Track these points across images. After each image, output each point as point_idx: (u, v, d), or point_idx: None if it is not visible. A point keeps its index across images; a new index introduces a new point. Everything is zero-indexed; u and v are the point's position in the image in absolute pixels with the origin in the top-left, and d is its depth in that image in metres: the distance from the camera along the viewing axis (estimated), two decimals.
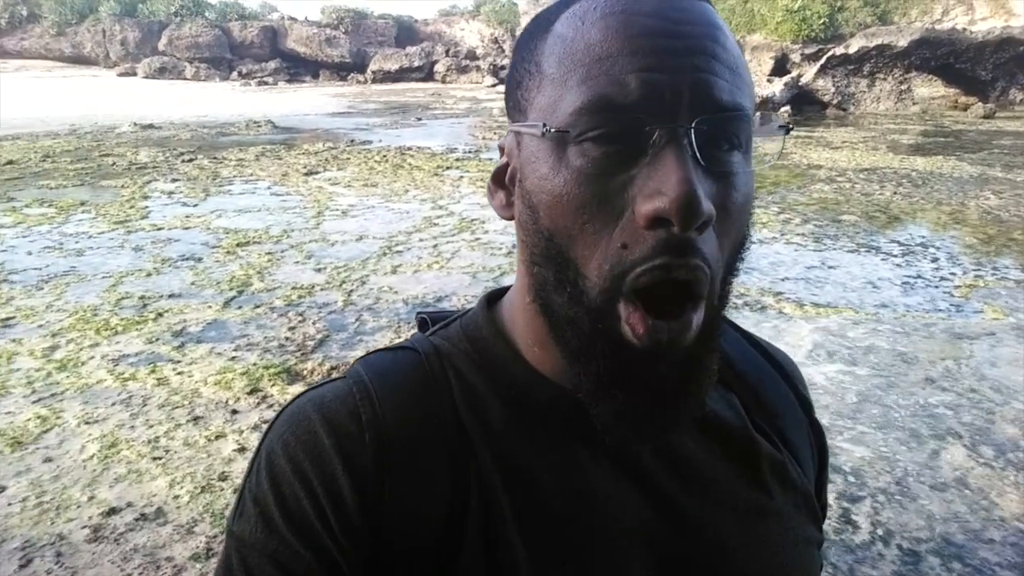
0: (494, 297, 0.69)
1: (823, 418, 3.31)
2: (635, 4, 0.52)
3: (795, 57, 23.40)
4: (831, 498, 2.83)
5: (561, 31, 0.54)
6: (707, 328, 0.53)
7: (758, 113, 0.57)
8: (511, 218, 0.60)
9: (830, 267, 5.82)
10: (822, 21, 23.31)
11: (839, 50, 19.28)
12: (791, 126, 0.57)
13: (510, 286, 0.67)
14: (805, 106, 19.20)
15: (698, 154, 0.49)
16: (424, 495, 0.55)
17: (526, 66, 0.57)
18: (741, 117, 0.52)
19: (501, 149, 0.62)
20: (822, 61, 19.60)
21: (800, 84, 19.36)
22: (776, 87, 18.98)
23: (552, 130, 0.52)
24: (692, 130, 0.49)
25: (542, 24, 0.57)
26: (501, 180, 0.62)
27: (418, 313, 0.72)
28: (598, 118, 0.50)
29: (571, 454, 0.59)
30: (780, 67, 23.34)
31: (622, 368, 0.52)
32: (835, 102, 19.22)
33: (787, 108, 18.53)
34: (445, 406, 0.59)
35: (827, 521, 2.70)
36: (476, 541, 0.55)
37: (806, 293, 5.17)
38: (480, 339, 0.64)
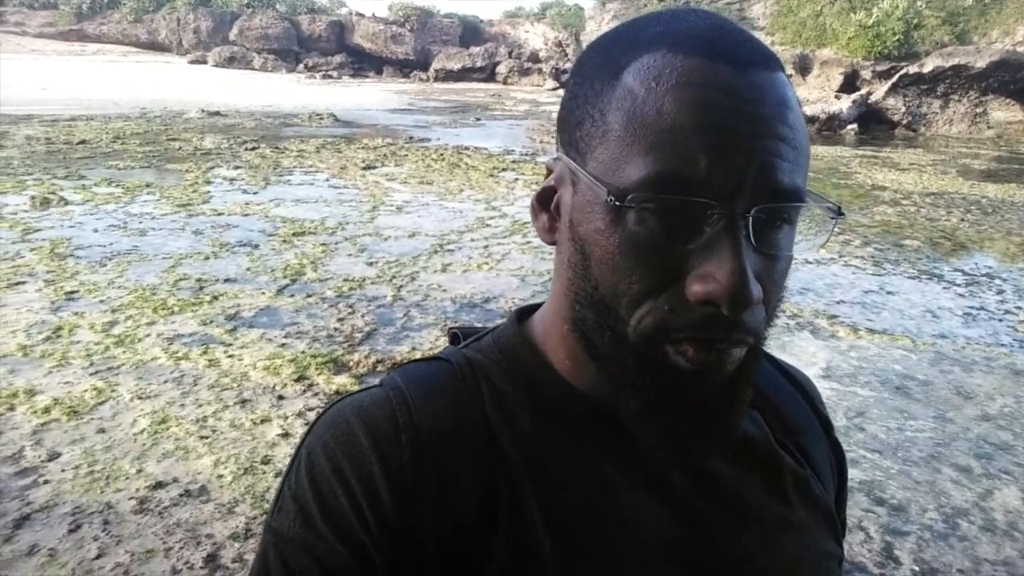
0: (524, 314, 0.70)
1: (872, 449, 3.22)
2: (711, 76, 0.51)
3: (866, 74, 22.83)
4: (873, 528, 2.75)
5: (632, 85, 0.53)
6: (746, 363, 0.55)
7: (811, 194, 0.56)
8: (553, 243, 0.62)
9: (888, 292, 5.66)
10: (897, 38, 22.68)
11: (913, 68, 18.73)
12: (843, 212, 0.58)
13: (540, 304, 0.69)
14: (873, 124, 18.70)
15: (753, 237, 0.51)
16: (457, 496, 0.57)
17: (590, 110, 0.56)
18: (800, 204, 0.53)
19: (548, 171, 0.62)
20: (894, 79, 19.07)
21: (869, 102, 18.87)
22: (843, 104, 18.54)
23: (615, 202, 0.52)
24: (751, 217, 0.51)
25: (610, 67, 0.56)
26: (546, 204, 0.62)
27: (450, 328, 0.74)
28: (662, 193, 0.51)
29: (600, 464, 0.60)
30: (849, 83, 22.80)
31: (671, 391, 0.54)
32: (905, 122, 18.67)
33: (854, 126, 18.08)
34: (477, 413, 0.61)
35: (867, 554, 2.62)
36: (506, 542, 0.56)
37: (861, 318, 5.03)
38: (512, 351, 0.66)
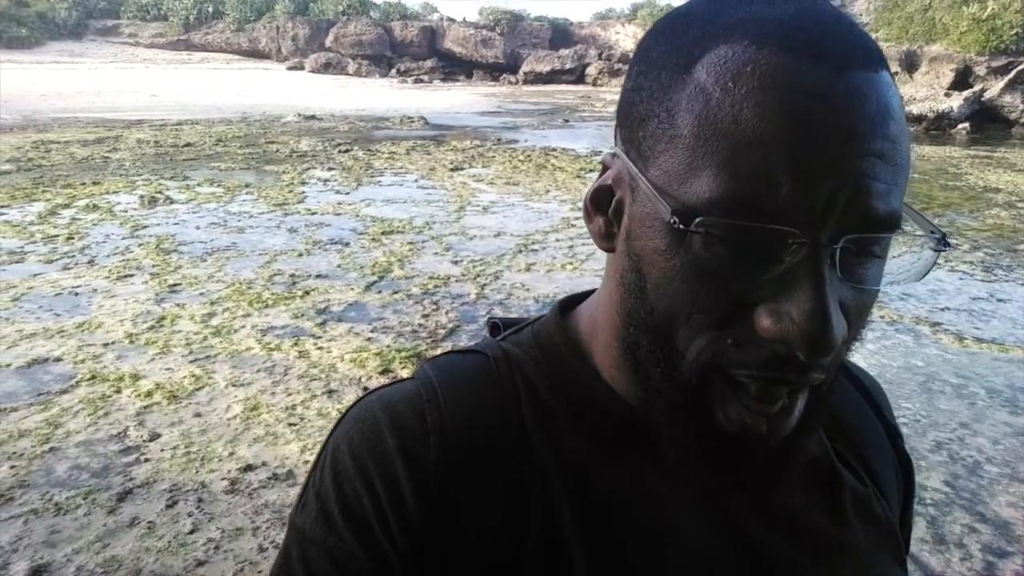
0: (568, 305, 0.65)
1: (976, 463, 3.03)
2: (802, 78, 0.44)
3: (979, 70, 21.56)
4: (974, 547, 2.58)
5: (705, 84, 0.46)
6: (810, 411, 0.50)
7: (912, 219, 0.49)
8: (610, 250, 0.56)
9: (999, 300, 5.30)
10: (1015, 32, 21.34)
11: None
12: (948, 244, 0.49)
13: (586, 293, 0.64)
14: (987, 123, 17.61)
15: (839, 271, 0.44)
16: (486, 502, 0.54)
17: (655, 107, 0.49)
18: (894, 234, 0.46)
19: (604, 167, 0.56)
20: (1011, 75, 17.90)
21: (983, 99, 17.79)
22: (954, 102, 17.56)
23: (680, 226, 0.45)
24: (839, 248, 0.44)
25: (681, 55, 0.48)
26: (601, 206, 0.56)
27: (490, 318, 0.70)
28: (735, 216, 0.44)
29: (640, 475, 0.56)
30: (962, 80, 21.58)
31: (712, 449, 0.50)
32: (1023, 120, 17.50)
33: (965, 125, 17.09)
34: (512, 414, 0.57)
35: (967, 573, 2.46)
36: (537, 553, 0.53)
37: (968, 326, 4.73)
38: (552, 347, 0.62)
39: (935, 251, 0.48)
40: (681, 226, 0.45)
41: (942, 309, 5.04)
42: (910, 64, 25.71)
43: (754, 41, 0.45)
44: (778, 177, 0.42)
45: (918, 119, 17.56)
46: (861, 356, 4.14)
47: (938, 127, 17.14)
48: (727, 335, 0.46)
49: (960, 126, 17.10)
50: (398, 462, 0.53)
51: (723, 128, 0.44)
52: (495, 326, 0.68)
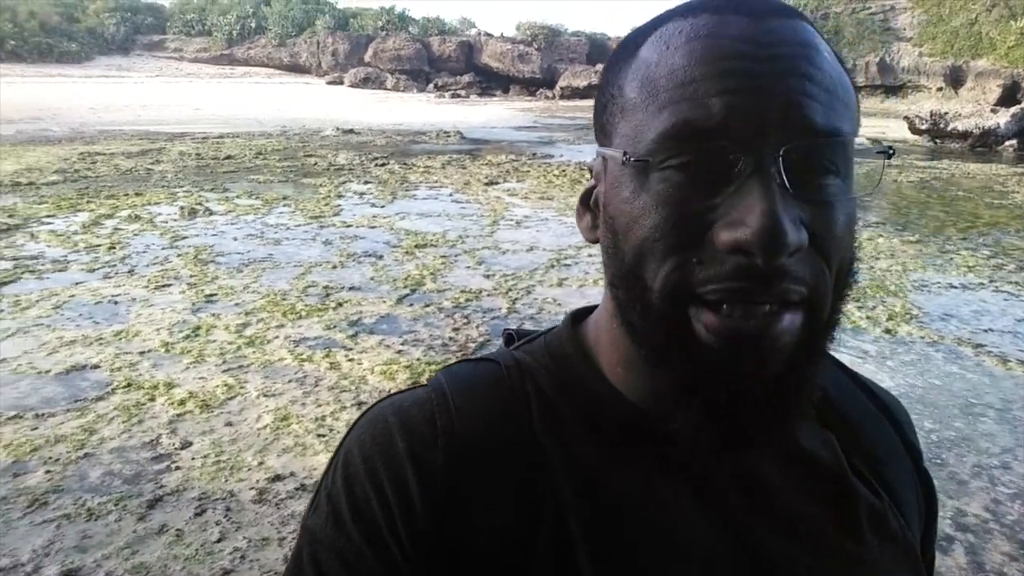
0: (580, 316, 0.67)
1: (1020, 489, 2.92)
2: (722, 27, 0.49)
3: None
4: (1003, 557, 2.48)
5: (645, 55, 0.52)
6: (812, 339, 0.49)
7: (864, 139, 0.51)
8: (596, 241, 0.59)
9: None
10: None
11: None
12: (892, 150, 0.54)
13: (596, 306, 0.65)
14: None
15: (787, 182, 0.46)
16: (494, 506, 0.54)
17: (611, 90, 0.56)
18: (836, 142, 0.49)
19: (590, 171, 0.60)
20: None
21: None
22: (1001, 118, 17.14)
23: (633, 159, 0.50)
24: (780, 157, 0.46)
25: (629, 47, 0.55)
26: (588, 203, 0.61)
27: (505, 329, 0.71)
28: (679, 144, 0.48)
29: (648, 478, 0.56)
30: (1009, 96, 21.14)
31: (700, 372, 0.49)
32: None
33: (1013, 142, 16.67)
34: (522, 419, 0.58)
35: None
36: (546, 557, 0.53)
37: (1013, 348, 4.58)
38: (563, 356, 0.62)
39: (883, 156, 0.54)
40: (635, 161, 0.50)
41: (985, 330, 4.90)
42: (955, 80, 25.22)
43: (686, 15, 0.52)
44: (710, 102, 0.47)
45: (963, 136, 17.19)
46: (902, 376, 4.04)
47: (984, 144, 16.75)
48: (691, 255, 0.48)
49: (1007, 143, 16.68)
50: (407, 465, 0.54)
51: (661, 81, 0.50)
52: (510, 337, 0.70)
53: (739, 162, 0.47)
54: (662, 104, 0.49)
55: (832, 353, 0.66)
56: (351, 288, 5.49)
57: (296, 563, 0.56)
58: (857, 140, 0.53)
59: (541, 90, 35.94)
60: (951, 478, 3.09)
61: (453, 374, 0.62)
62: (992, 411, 3.71)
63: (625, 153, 0.51)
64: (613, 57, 0.57)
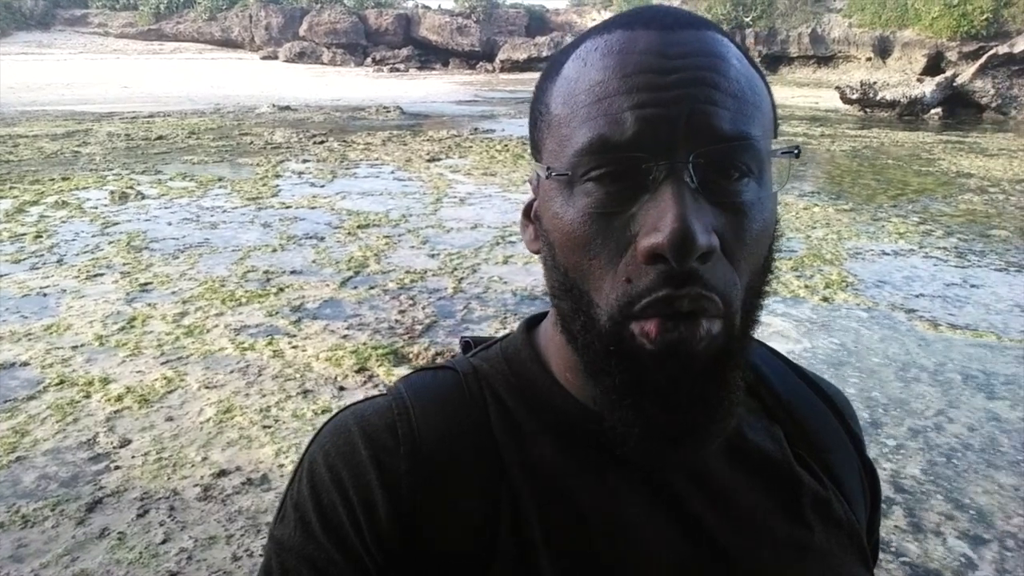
0: (533, 322, 0.69)
1: (952, 449, 3.05)
2: (632, 42, 0.52)
3: (951, 55, 21.82)
4: (953, 535, 2.60)
5: (567, 72, 0.56)
6: (728, 343, 0.52)
7: (777, 140, 0.56)
8: (538, 252, 0.61)
9: (973, 286, 5.35)
10: (985, 17, 21.58)
11: (1003, 49, 17.69)
12: (799, 150, 0.55)
13: (548, 312, 0.68)
14: (959, 109, 17.77)
15: (699, 187, 0.49)
16: (456, 510, 0.56)
17: (539, 107, 0.59)
18: (744, 145, 0.51)
19: (531, 184, 0.63)
20: (982, 60, 18.06)
21: (955, 85, 17.92)
22: (927, 88, 17.68)
23: (556, 173, 0.53)
24: (690, 164, 0.49)
25: (555, 66, 0.58)
26: (530, 215, 0.63)
27: (462, 337, 0.74)
28: (597, 158, 0.51)
29: (604, 479, 0.58)
30: (934, 66, 21.82)
31: (637, 376, 0.52)
32: (994, 105, 17.67)
33: (938, 110, 17.23)
34: (481, 424, 0.60)
35: (944, 561, 2.47)
36: (507, 561, 0.55)
37: (942, 312, 4.77)
38: (518, 362, 0.65)
39: (791, 156, 0.55)
40: (557, 176, 0.53)
41: (917, 296, 5.08)
42: (883, 50, 25.89)
43: (602, 32, 0.55)
44: (623, 116, 0.50)
45: (891, 105, 17.69)
46: (839, 342, 4.17)
47: (911, 112, 17.27)
48: (622, 274, 0.51)
49: (933, 111, 17.25)
50: (371, 473, 0.56)
51: (580, 97, 0.53)
52: (467, 344, 0.72)
53: (652, 171, 0.50)
54: (582, 120, 0.52)
55: (780, 350, 0.73)
56: (292, 272, 5.38)
57: (266, 574, 0.57)
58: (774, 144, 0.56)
59: (481, 63, 35.56)
60: (889, 440, 3.21)
61: (412, 383, 0.64)
62: (925, 374, 3.86)
63: (548, 168, 0.54)
64: (543, 74, 0.60)
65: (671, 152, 0.49)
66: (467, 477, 0.57)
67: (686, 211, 0.48)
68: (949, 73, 18.85)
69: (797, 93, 24.28)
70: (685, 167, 0.49)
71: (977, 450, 3.14)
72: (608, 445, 0.57)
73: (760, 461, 0.61)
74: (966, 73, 18.21)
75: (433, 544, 0.55)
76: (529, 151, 0.63)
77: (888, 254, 6.10)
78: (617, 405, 0.53)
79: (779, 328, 4.43)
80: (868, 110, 18.17)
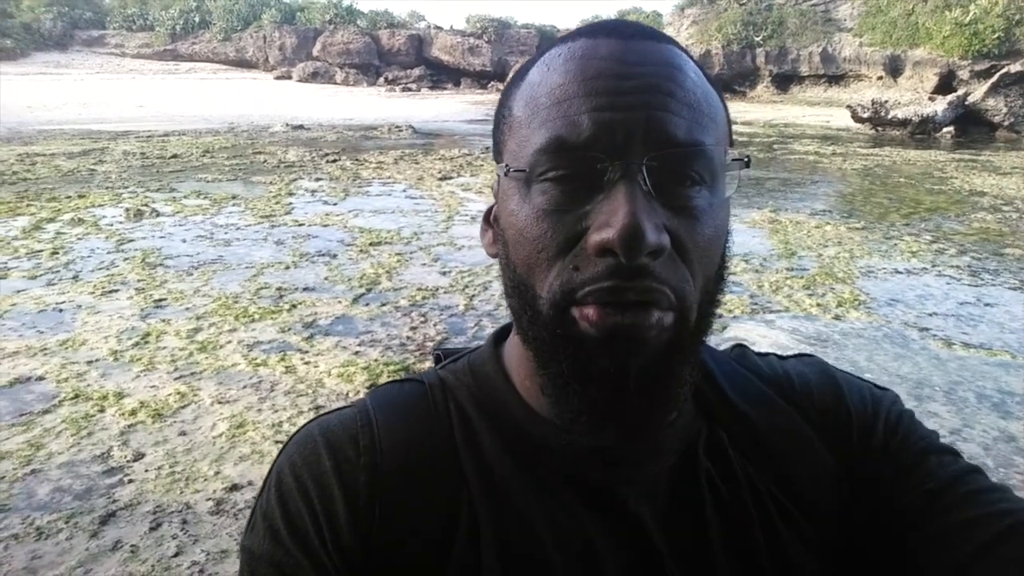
0: (502, 335, 0.70)
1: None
2: (594, 49, 0.55)
3: (963, 74, 21.80)
4: None
5: (531, 77, 0.58)
6: (680, 337, 0.53)
7: (730, 149, 0.57)
8: (496, 255, 0.62)
9: (987, 304, 5.32)
10: (996, 36, 21.57)
11: (1015, 67, 17.70)
12: (748, 159, 0.57)
13: None
14: (971, 127, 17.77)
15: (651, 189, 0.51)
16: (413, 522, 0.57)
17: (502, 111, 0.61)
18: (697, 153, 0.53)
19: (493, 190, 0.64)
20: (994, 79, 18.07)
21: (967, 103, 17.93)
22: (938, 106, 17.69)
23: (513, 171, 0.55)
24: (644, 166, 0.51)
25: (521, 71, 0.60)
26: (490, 219, 0.65)
27: (434, 349, 0.77)
28: (554, 158, 0.53)
29: (559, 494, 0.59)
30: (945, 84, 21.81)
31: (584, 362, 0.53)
32: (1007, 124, 17.64)
33: (950, 129, 17.22)
34: (444, 437, 0.61)
35: None
36: (459, 571, 0.56)
37: (956, 331, 4.74)
38: (483, 374, 0.66)
39: (741, 164, 0.56)
40: (515, 173, 0.54)
41: (930, 314, 5.05)
42: (894, 69, 25.91)
43: (567, 40, 0.57)
44: (580, 119, 0.52)
45: (903, 123, 17.69)
46: (852, 361, 4.15)
47: (923, 131, 17.26)
48: (570, 263, 0.52)
49: (945, 130, 17.24)
50: (334, 483, 0.58)
51: (541, 100, 0.54)
52: (438, 357, 0.73)
53: (607, 171, 0.51)
54: (541, 121, 0.54)
55: (749, 346, 0.74)
56: (305, 289, 5.41)
57: None
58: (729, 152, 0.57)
59: (492, 82, 35.85)
60: None
61: (378, 395, 0.65)
62: (939, 393, 3.83)
63: (507, 166, 0.56)
64: (509, 79, 0.63)
65: (626, 154, 0.51)
66: (426, 490, 0.58)
67: (637, 209, 0.49)
68: (961, 92, 18.85)
69: (808, 112, 24.31)
70: (639, 169, 0.51)
71: (992, 469, 3.11)
72: (562, 458, 0.59)
73: (710, 478, 0.61)
74: (978, 91, 18.21)
75: (391, 553, 0.56)
76: (492, 155, 0.65)
77: (901, 272, 6.07)
78: (564, 393, 0.54)
79: (788, 345, 4.41)
80: (879, 129, 18.17)
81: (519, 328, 0.59)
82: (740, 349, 0.73)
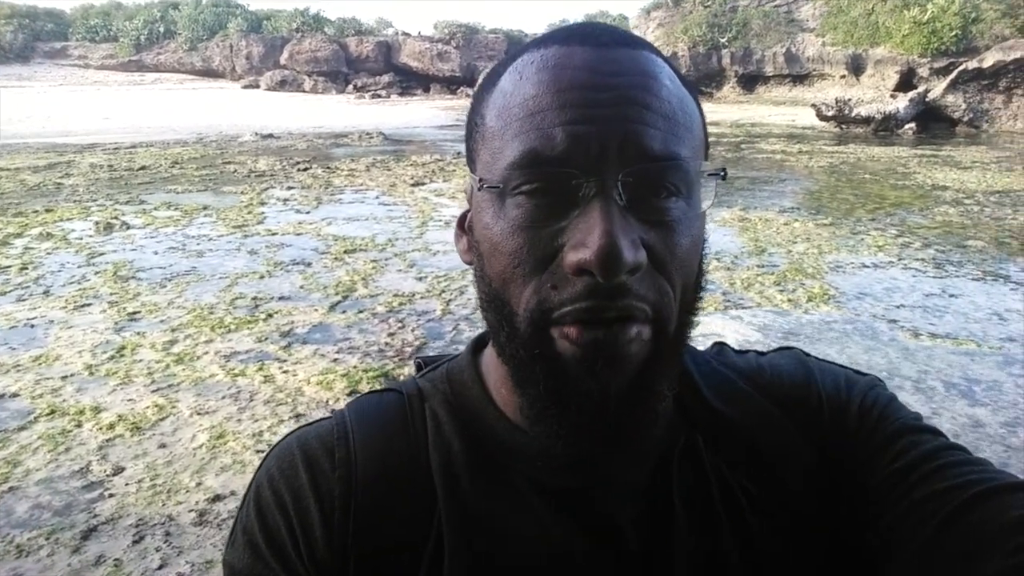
0: (481, 342, 0.69)
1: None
2: (568, 57, 0.53)
3: (923, 71, 22.25)
4: None
5: (503, 85, 0.56)
6: (658, 350, 0.53)
7: (705, 162, 0.56)
8: (471, 263, 0.61)
9: (951, 295, 5.46)
10: (954, 34, 22.06)
11: (972, 64, 18.16)
12: (725, 172, 0.56)
13: None
14: (932, 123, 18.16)
15: (627, 204, 0.50)
16: (387, 534, 0.58)
17: (475, 118, 0.59)
18: (673, 166, 0.52)
19: (466, 195, 0.63)
20: (953, 75, 18.50)
21: (927, 100, 18.34)
22: (900, 103, 18.06)
23: (486, 185, 0.54)
24: (619, 182, 0.50)
25: (492, 77, 0.59)
26: (464, 226, 0.63)
27: (415, 357, 0.75)
28: (528, 172, 0.51)
29: (530, 502, 0.59)
30: (906, 82, 22.25)
31: (563, 382, 0.52)
32: (966, 119, 18.08)
33: (912, 125, 17.58)
34: (419, 448, 0.61)
35: None
36: None
37: (923, 322, 4.86)
38: (459, 383, 0.66)
39: (718, 178, 0.55)
40: (488, 188, 0.53)
41: (898, 306, 5.17)
42: (856, 67, 26.39)
43: (539, 46, 0.55)
44: (554, 132, 0.51)
45: (866, 120, 18.03)
46: (824, 353, 4.23)
47: (886, 128, 17.61)
48: (546, 281, 0.51)
49: (907, 126, 17.60)
50: (310, 496, 0.58)
51: (514, 110, 0.53)
52: (419, 365, 0.73)
53: (582, 187, 0.50)
54: (514, 133, 0.53)
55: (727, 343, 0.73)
56: (281, 298, 5.39)
57: None
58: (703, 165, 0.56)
59: (462, 88, 35.88)
60: None
61: (356, 406, 0.65)
62: (908, 382, 3.93)
63: (481, 180, 0.55)
64: (480, 84, 0.61)
65: (601, 169, 0.50)
66: (400, 502, 0.58)
67: (614, 227, 0.48)
68: (921, 89, 19.26)
69: (774, 111, 24.66)
70: (614, 185, 0.50)
71: None
72: (532, 466, 0.59)
73: (682, 482, 0.60)
74: (937, 88, 18.63)
75: (366, 566, 0.57)
76: (465, 162, 0.63)
77: (868, 267, 6.20)
78: (542, 415, 0.54)
79: (759, 341, 4.50)
80: (844, 126, 18.51)
81: (496, 343, 0.58)
82: (719, 346, 0.73)
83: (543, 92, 0.52)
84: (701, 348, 0.74)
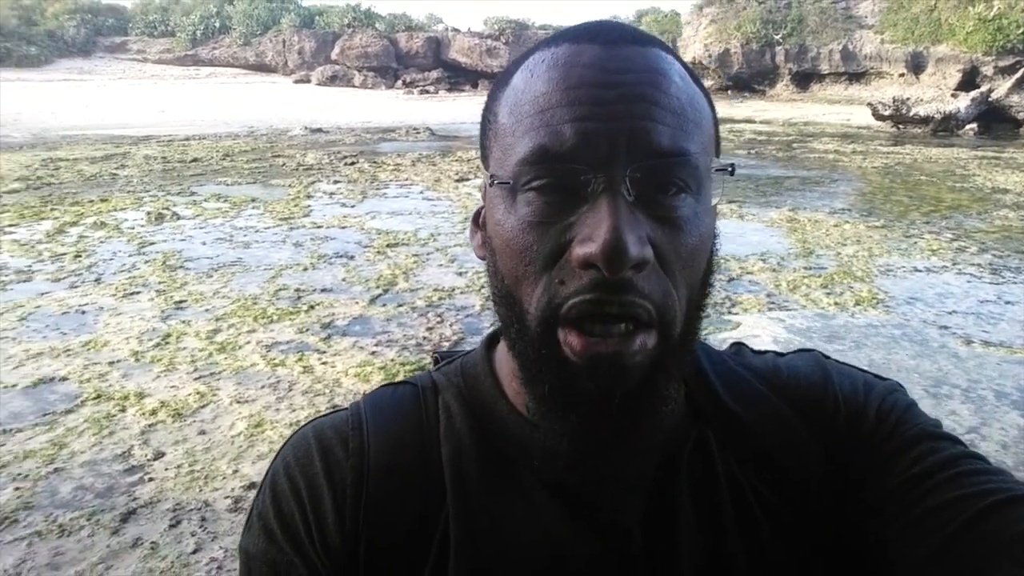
0: (496, 336, 0.70)
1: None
2: (577, 55, 0.54)
3: (987, 70, 21.52)
4: None
5: (515, 83, 0.57)
6: (664, 355, 0.53)
7: (715, 159, 0.57)
8: (484, 258, 0.62)
9: (1007, 302, 5.25)
10: (1021, 31, 21.26)
11: None
12: (733, 168, 0.56)
13: None
14: (995, 124, 17.53)
15: (635, 200, 0.50)
16: (396, 524, 0.59)
17: (488, 115, 0.60)
18: (682, 161, 0.52)
19: (481, 191, 0.65)
20: (1018, 75, 17.81)
21: (990, 100, 17.69)
22: (961, 103, 17.47)
23: (498, 182, 0.55)
24: (627, 177, 0.50)
25: (507, 75, 0.60)
26: (478, 221, 0.65)
27: (433, 351, 0.77)
28: (537, 168, 0.52)
29: (536, 496, 0.59)
30: (969, 81, 21.53)
31: (568, 384, 0.53)
32: None
33: (973, 126, 17.00)
34: (431, 441, 0.62)
35: None
36: (433, 573, 0.57)
37: (976, 329, 4.69)
38: (473, 376, 0.67)
39: (726, 174, 0.56)
40: (500, 183, 0.54)
41: (950, 312, 5.00)
42: (916, 66, 25.62)
43: (550, 45, 0.57)
44: (563, 128, 0.51)
45: (925, 121, 17.49)
46: (869, 360, 4.11)
47: (945, 128, 17.06)
48: (555, 277, 0.52)
49: (967, 127, 17.02)
50: (324, 485, 0.60)
51: (525, 108, 0.54)
52: (436, 359, 0.75)
53: (591, 183, 0.51)
54: (525, 130, 0.53)
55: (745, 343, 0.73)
56: (323, 290, 5.46)
57: None
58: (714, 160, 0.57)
59: None
60: None
61: (372, 398, 0.67)
62: (958, 391, 3.79)
63: (492, 176, 0.56)
64: (495, 82, 0.62)
65: (609, 165, 0.50)
66: (410, 493, 0.59)
67: (620, 222, 0.49)
68: (984, 88, 18.60)
69: (828, 110, 24.10)
70: (623, 180, 0.50)
71: (1011, 468, 3.08)
72: (540, 460, 0.59)
73: (690, 480, 0.60)
74: (1002, 88, 17.96)
75: (376, 555, 0.58)
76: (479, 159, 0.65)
77: (920, 271, 6.01)
78: (548, 414, 0.55)
79: (801, 344, 4.39)
80: (901, 126, 17.99)
81: (507, 337, 0.59)
82: (737, 346, 0.73)
83: (552, 89, 0.53)
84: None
